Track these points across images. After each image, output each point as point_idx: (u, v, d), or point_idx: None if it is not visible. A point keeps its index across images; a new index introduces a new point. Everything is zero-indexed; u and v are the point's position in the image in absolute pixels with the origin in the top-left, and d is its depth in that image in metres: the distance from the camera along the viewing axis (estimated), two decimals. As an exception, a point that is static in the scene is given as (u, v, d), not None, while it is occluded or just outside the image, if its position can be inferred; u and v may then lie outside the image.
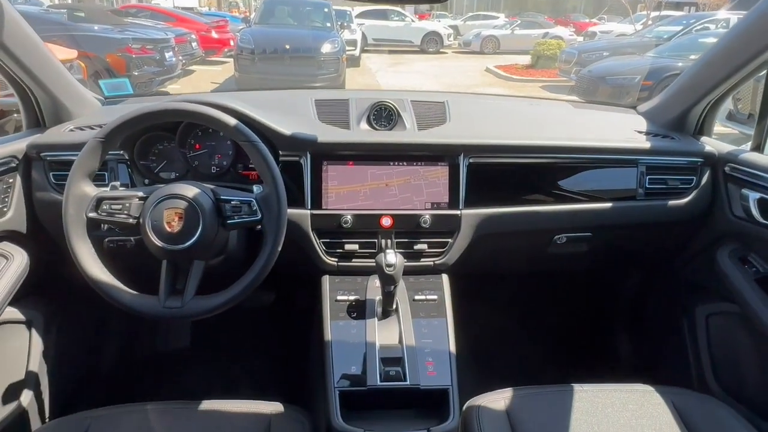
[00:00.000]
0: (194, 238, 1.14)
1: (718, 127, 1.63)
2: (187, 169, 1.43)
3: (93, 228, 1.18)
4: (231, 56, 12.19)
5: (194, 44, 10.48)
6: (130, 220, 1.16)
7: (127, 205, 1.16)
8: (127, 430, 1.14)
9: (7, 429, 1.32)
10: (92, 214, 1.14)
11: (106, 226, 1.26)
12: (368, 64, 14.06)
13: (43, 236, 1.39)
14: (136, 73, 7.55)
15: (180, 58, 9.24)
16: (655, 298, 1.86)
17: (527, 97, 1.97)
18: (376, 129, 1.46)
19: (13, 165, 1.30)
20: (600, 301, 2.11)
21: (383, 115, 1.48)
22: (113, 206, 1.15)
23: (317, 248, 1.38)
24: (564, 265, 1.75)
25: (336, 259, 1.40)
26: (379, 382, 1.12)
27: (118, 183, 1.27)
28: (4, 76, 1.30)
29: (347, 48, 10.04)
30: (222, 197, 1.18)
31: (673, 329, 1.70)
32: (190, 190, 1.16)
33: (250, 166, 1.45)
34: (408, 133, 1.43)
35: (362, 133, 1.43)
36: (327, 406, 1.11)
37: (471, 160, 1.40)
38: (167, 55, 8.38)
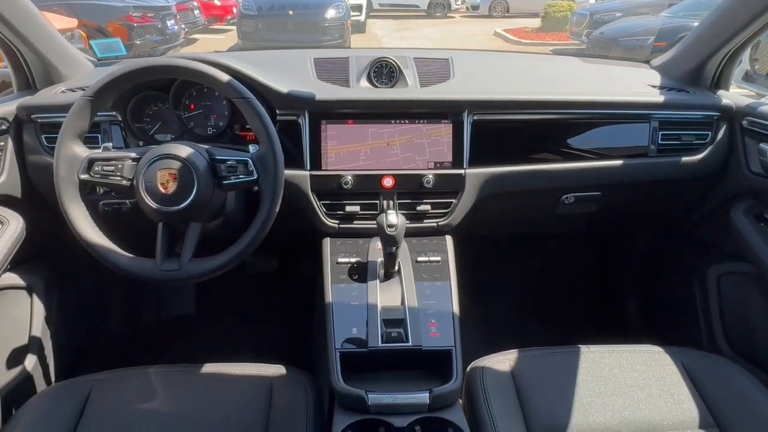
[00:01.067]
0: (189, 199, 1.11)
1: (734, 89, 1.56)
2: (182, 131, 1.39)
3: (86, 191, 1.15)
4: (234, 24, 12.00)
5: (196, 12, 10.28)
6: (124, 182, 1.13)
7: (120, 166, 1.13)
8: (130, 393, 1.13)
9: (12, 393, 1.33)
10: (84, 176, 1.11)
11: (101, 189, 1.23)
12: (374, 29, 13.77)
13: (38, 200, 1.37)
14: (138, 42, 7.43)
15: (182, 26, 9.09)
16: (665, 258, 1.82)
17: (536, 53, 1.88)
18: (377, 86, 1.40)
19: (4, 127, 1.27)
20: (608, 262, 2.08)
21: (384, 72, 1.42)
22: (105, 167, 1.12)
23: (317, 210, 1.35)
24: (571, 226, 1.70)
25: (337, 221, 1.37)
26: (380, 344, 1.10)
27: (110, 144, 1.24)
28: None
29: (352, 13, 9.84)
30: (217, 157, 1.15)
31: (683, 290, 1.67)
32: (183, 150, 1.13)
33: (247, 126, 1.40)
34: (410, 90, 1.38)
35: (362, 90, 1.38)
36: (328, 367, 1.09)
37: (476, 117, 1.35)
38: (169, 23, 8.24)
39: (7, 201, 1.29)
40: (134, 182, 1.13)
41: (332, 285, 1.23)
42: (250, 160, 1.13)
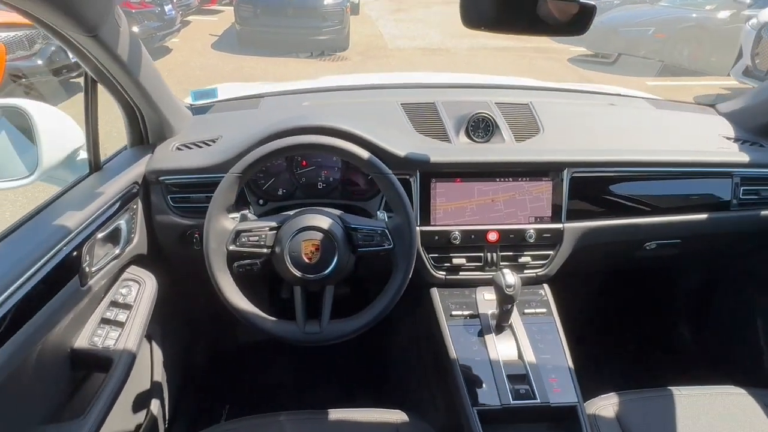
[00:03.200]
0: (330, 267, 1.19)
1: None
2: (294, 186, 1.46)
3: (232, 259, 1.22)
4: (227, 4, 11.72)
5: (190, -7, 10.07)
6: (265, 250, 1.21)
7: (264, 236, 1.20)
8: None
9: None
10: (232, 247, 1.18)
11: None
12: (367, 11, 13.62)
13: (163, 256, 1.43)
14: (137, 29, 7.27)
15: (178, 9, 8.90)
16: (723, 293, 1.95)
17: (600, 93, 1.96)
18: (476, 141, 1.48)
19: (135, 191, 1.32)
20: (664, 296, 2.18)
21: (480, 126, 1.49)
22: (250, 238, 1.19)
23: (426, 263, 1.44)
24: (646, 265, 1.81)
25: (444, 273, 1.45)
26: (512, 401, 1.20)
27: (248, 211, 1.30)
28: (116, 96, 1.30)
29: (348, -5, 9.65)
30: (352, 225, 1.22)
31: (745, 326, 1.80)
32: (324, 221, 1.20)
33: (356, 180, 1.47)
34: (509, 148, 1.46)
35: (464, 147, 1.45)
36: (467, 424, 1.19)
37: (573, 175, 1.44)
38: (167, 8, 8.09)
39: (139, 260, 1.34)
40: (275, 250, 1.20)
41: (452, 339, 1.33)
42: (386, 230, 1.21)
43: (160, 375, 1.52)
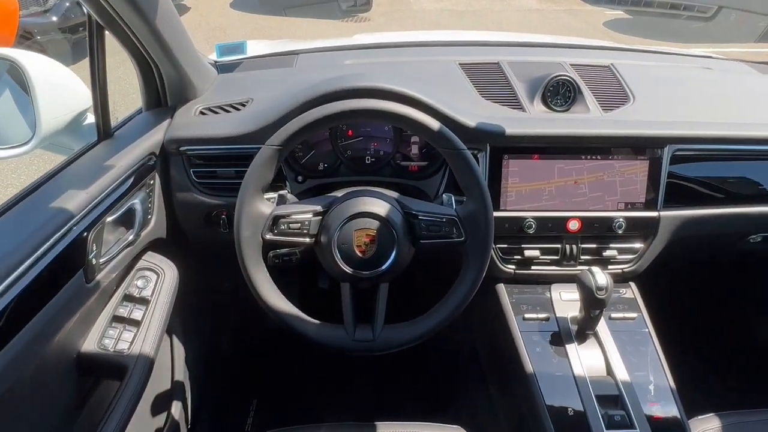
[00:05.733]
0: (388, 263, 0.98)
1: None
2: (338, 160, 1.23)
3: (267, 248, 1.01)
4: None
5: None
6: (307, 239, 0.99)
7: (307, 223, 0.98)
8: None
9: None
10: (269, 236, 0.96)
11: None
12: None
13: (184, 241, 1.22)
14: None
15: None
16: None
17: (688, 55, 1.68)
18: (554, 110, 1.23)
19: (151, 163, 1.10)
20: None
21: (560, 91, 1.24)
22: (291, 225, 0.97)
23: (493, 254, 1.21)
24: (747, 260, 1.56)
25: (513, 266, 1.23)
26: (605, 430, 0.99)
27: (286, 191, 1.08)
28: (127, 47, 1.07)
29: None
30: (414, 211, 1.00)
31: None
32: (380, 206, 0.98)
33: (411, 154, 1.24)
34: (596, 119, 1.21)
35: (541, 116, 1.21)
36: None
37: (675, 153, 1.19)
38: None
39: (157, 246, 1.14)
40: (320, 239, 0.99)
41: (527, 349, 1.11)
42: (456, 218, 0.98)
43: (181, 372, 1.34)
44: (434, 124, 0.96)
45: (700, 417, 1.12)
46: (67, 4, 5.36)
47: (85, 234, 0.88)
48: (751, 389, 1.62)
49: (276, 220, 0.97)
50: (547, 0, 9.88)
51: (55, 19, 5.37)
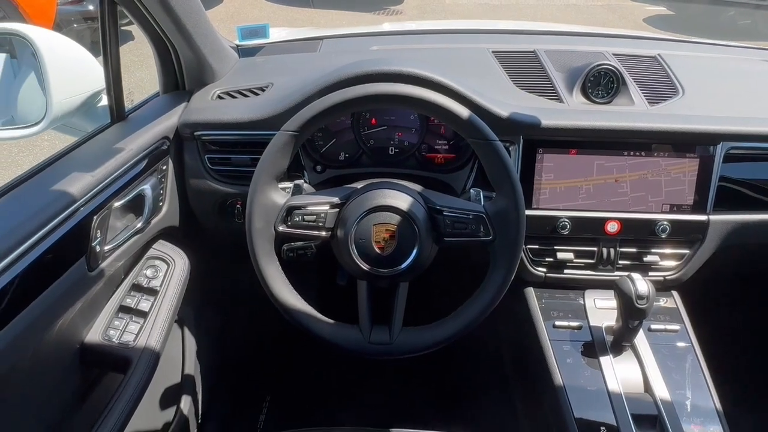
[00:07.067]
0: (408, 261, 0.91)
1: None
2: (359, 150, 1.16)
3: (281, 241, 0.96)
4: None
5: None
6: (323, 233, 0.93)
7: (323, 215, 0.92)
8: None
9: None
10: (282, 228, 0.90)
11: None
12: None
13: (197, 230, 1.18)
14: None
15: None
16: None
17: (745, 47, 1.55)
18: (595, 102, 1.14)
19: (165, 148, 1.05)
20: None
21: (602, 82, 1.15)
22: (306, 217, 0.91)
23: (523, 256, 1.13)
24: None
25: (544, 269, 1.15)
26: None
27: (302, 181, 1.02)
28: (143, 26, 1.02)
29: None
30: (438, 206, 0.93)
31: None
32: (402, 200, 0.91)
33: (438, 146, 1.17)
34: (642, 112, 1.11)
35: (581, 108, 1.12)
36: None
37: (729, 151, 1.08)
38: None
39: (168, 235, 1.09)
40: (336, 233, 0.92)
41: (557, 358, 1.03)
42: (484, 215, 0.90)
43: (192, 366, 1.29)
44: (464, 112, 0.88)
45: None
46: (103, -8, 5.43)
47: (90, 219, 0.84)
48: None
49: (290, 211, 0.91)
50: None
51: (92, 8, 5.43)
